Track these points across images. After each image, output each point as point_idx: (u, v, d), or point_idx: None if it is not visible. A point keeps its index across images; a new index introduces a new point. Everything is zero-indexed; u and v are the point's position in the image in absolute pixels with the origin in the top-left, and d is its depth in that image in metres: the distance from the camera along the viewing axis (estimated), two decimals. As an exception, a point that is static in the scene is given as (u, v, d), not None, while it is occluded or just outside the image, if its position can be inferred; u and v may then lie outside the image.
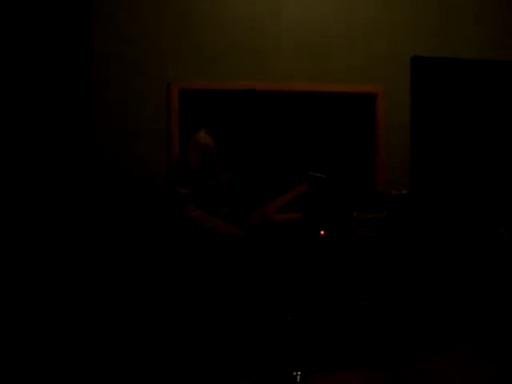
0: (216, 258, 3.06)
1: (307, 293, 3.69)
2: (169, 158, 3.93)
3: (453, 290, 4.45)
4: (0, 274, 3.44)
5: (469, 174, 4.69)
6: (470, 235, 4.50)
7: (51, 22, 3.62)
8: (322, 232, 3.78)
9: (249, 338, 3.39)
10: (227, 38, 4.10)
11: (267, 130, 3.95)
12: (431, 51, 4.60)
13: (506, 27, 4.83)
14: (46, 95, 3.66)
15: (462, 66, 4.65)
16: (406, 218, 4.00)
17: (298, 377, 3.15)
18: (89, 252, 3.68)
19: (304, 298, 3.68)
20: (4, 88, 3.52)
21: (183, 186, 2.98)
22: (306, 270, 3.72)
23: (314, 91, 4.29)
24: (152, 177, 3.90)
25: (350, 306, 3.75)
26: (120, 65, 3.89)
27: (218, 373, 3.12)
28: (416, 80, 4.54)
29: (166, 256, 3.50)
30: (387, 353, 3.76)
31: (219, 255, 3.07)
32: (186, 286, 3.15)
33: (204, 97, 4.03)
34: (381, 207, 3.99)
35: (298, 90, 4.25)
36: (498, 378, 3.13)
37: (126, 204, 3.89)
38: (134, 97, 3.93)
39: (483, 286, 4.46)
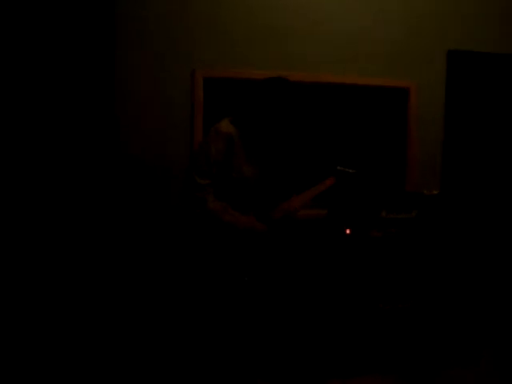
0: (235, 253, 2.92)
1: (330, 293, 3.54)
2: (191, 147, 3.80)
3: (482, 295, 4.24)
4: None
5: (504, 176, 4.47)
6: (502, 240, 4.28)
7: (74, 11, 3.53)
8: (348, 231, 3.62)
9: (268, 339, 3.23)
10: (255, 24, 3.96)
11: (295, 122, 3.80)
12: (468, 45, 4.40)
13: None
14: (70, 85, 3.60)
15: (500, 61, 4.43)
16: (436, 219, 3.82)
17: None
18: (105, 245, 3.59)
19: (327, 298, 3.54)
20: (27, 81, 3.46)
21: (203, 177, 2.84)
22: (330, 270, 3.57)
23: (345, 83, 4.13)
24: (174, 166, 3.79)
25: (374, 309, 3.60)
26: (144, 52, 3.79)
27: (237, 376, 2.99)
28: (451, 75, 4.34)
29: (183, 248, 3.40)
30: (413, 360, 3.59)
31: (239, 250, 2.92)
32: (201, 281, 3.01)
33: (230, 85, 3.90)
34: (410, 207, 3.82)
35: (329, 82, 4.10)
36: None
37: (147, 193, 3.81)
38: (157, 84, 3.83)
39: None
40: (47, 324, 3.45)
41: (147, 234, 3.79)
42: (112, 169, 3.70)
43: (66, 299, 3.54)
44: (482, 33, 4.44)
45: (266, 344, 3.23)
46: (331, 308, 3.54)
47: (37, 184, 3.52)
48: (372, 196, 3.80)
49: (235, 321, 2.96)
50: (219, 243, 2.91)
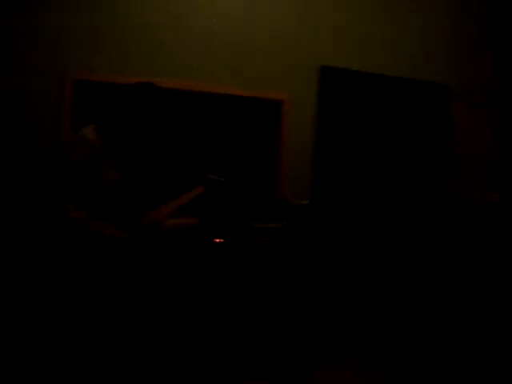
0: (96, 263, 2.81)
1: (197, 302, 3.52)
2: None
3: (350, 300, 4.42)
4: None
5: (370, 188, 4.71)
6: (370, 247, 4.50)
7: None
8: (218, 240, 3.63)
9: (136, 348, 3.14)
10: (130, 28, 3.86)
11: (161, 129, 3.74)
12: (340, 62, 4.60)
13: (420, 46, 4.95)
14: None
15: (371, 80, 4.68)
16: (306, 228, 3.93)
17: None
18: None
19: (193, 308, 3.51)
20: None
21: (65, 184, 2.71)
22: (198, 279, 3.55)
23: (217, 93, 4.13)
24: (40, 170, 3.59)
25: (245, 318, 3.62)
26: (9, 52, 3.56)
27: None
28: (323, 90, 4.51)
29: (44, 258, 3.23)
30: (283, 365, 3.66)
31: (100, 260, 2.82)
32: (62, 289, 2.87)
33: (102, 89, 3.76)
34: (280, 216, 3.90)
35: (201, 91, 4.07)
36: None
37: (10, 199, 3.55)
38: (24, 84, 3.60)
39: (381, 297, 4.46)
40: None
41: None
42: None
43: None
44: (354, 51, 4.67)
45: (134, 353, 3.15)
46: (198, 318, 3.52)
47: None
48: (242, 205, 3.84)
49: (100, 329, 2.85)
50: (81, 251, 2.79)
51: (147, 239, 3.01)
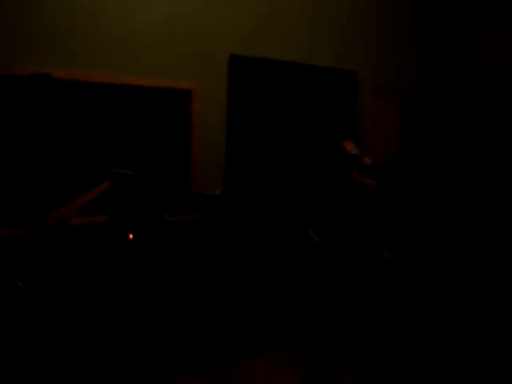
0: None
1: (111, 301, 3.40)
2: None
3: (267, 287, 4.44)
4: None
5: (283, 175, 4.73)
6: (281, 237, 4.53)
7: None
8: (131, 236, 3.50)
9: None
10: (24, 16, 3.60)
11: (69, 123, 3.58)
12: (251, 51, 4.56)
13: (328, 33, 5.00)
14: None
15: (281, 67, 4.69)
16: (219, 219, 3.88)
17: None
18: None
19: (108, 306, 3.38)
20: None
21: None
22: (111, 277, 3.42)
23: (124, 84, 3.97)
24: None
25: (162, 313, 3.54)
26: None
27: None
28: (234, 79, 4.46)
29: None
30: (204, 359, 3.64)
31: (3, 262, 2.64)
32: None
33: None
34: (194, 208, 3.82)
35: (105, 82, 3.89)
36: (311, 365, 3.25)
37: None
38: None
39: (296, 285, 4.51)
40: None
41: None
42: None
43: None
44: (264, 39, 4.64)
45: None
46: (114, 314, 3.40)
47: None
48: (154, 198, 3.73)
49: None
50: None
51: (53, 239, 2.85)
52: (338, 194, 4.98)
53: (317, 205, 4.83)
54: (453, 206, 3.51)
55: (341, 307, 4.08)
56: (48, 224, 2.83)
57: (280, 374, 3.59)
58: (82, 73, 3.80)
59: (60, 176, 3.07)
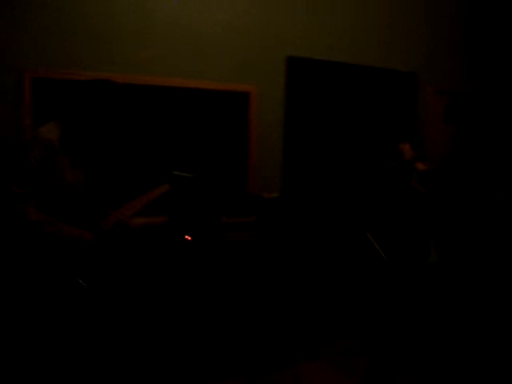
0: (61, 266, 2.71)
1: (175, 301, 3.45)
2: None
3: (323, 291, 4.39)
4: None
5: (342, 178, 4.68)
6: (339, 239, 4.47)
7: None
8: (188, 237, 3.55)
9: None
10: (88, 25, 3.72)
11: (120, 125, 3.64)
12: (307, 52, 4.53)
13: (386, 34, 4.91)
14: None
15: (338, 69, 4.63)
16: (277, 221, 3.87)
17: None
18: None
19: (166, 307, 3.44)
20: None
21: (21, 186, 2.58)
22: (170, 278, 3.47)
23: (182, 87, 4.02)
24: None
25: (220, 315, 3.57)
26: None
27: None
28: (291, 80, 4.44)
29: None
30: (262, 361, 3.63)
31: (65, 263, 2.72)
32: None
33: (60, 87, 3.63)
34: (251, 211, 3.84)
35: (165, 85, 3.97)
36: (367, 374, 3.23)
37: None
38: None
39: (353, 288, 4.43)
40: None
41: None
42: None
43: None
44: (320, 41, 4.60)
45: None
46: (170, 316, 3.45)
47: None
48: (212, 200, 3.76)
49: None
50: (43, 256, 2.69)
51: (114, 240, 2.92)
52: (397, 198, 4.87)
53: (376, 208, 4.74)
54: (505, 205, 3.37)
55: (399, 315, 3.99)
56: (108, 225, 2.90)
57: (334, 379, 3.54)
58: (146, 77, 3.90)
59: (121, 177, 3.15)
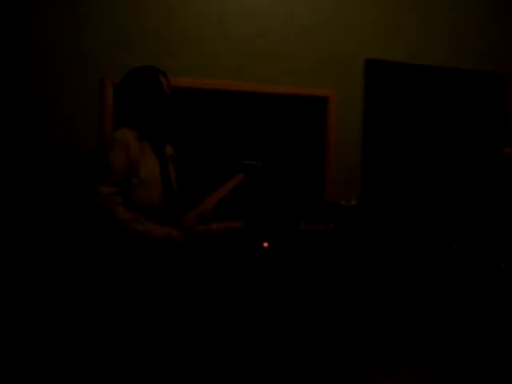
0: (150, 266, 2.73)
1: (252, 309, 3.42)
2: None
3: (400, 306, 4.21)
4: None
5: (423, 186, 4.49)
6: (422, 250, 4.28)
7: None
8: (266, 244, 3.50)
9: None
10: (169, 31, 3.77)
11: (207, 128, 3.66)
12: (385, 55, 4.40)
13: (462, 35, 4.69)
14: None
15: (417, 71, 4.47)
16: (355, 230, 3.76)
17: None
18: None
19: (248, 314, 3.40)
20: None
21: (109, 185, 2.64)
22: (250, 284, 3.43)
23: (261, 92, 3.99)
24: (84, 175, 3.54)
25: (295, 324, 3.49)
26: (55, 57, 3.53)
27: None
28: (370, 84, 4.31)
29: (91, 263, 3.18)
30: (336, 375, 3.51)
31: (154, 262, 2.74)
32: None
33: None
34: (329, 218, 3.74)
35: (246, 90, 3.95)
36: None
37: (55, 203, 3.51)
38: (67, 89, 3.57)
39: (433, 304, 4.23)
40: None
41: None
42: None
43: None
44: (399, 43, 4.45)
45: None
46: (253, 324, 3.41)
47: None
48: (290, 207, 3.70)
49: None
50: (133, 254, 2.72)
51: (199, 240, 2.94)
52: (489, 206, 4.61)
53: (464, 217, 4.51)
54: None
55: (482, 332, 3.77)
56: (193, 219, 2.91)
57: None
58: (224, 83, 3.91)
59: (197, 174, 3.14)
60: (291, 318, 3.54)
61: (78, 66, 3.57)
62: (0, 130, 3.39)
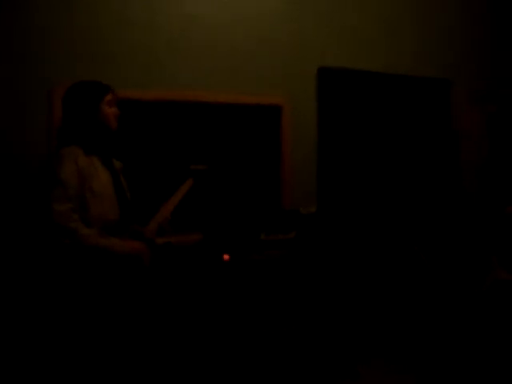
0: (115, 280, 2.61)
1: (211, 321, 3.32)
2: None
3: (364, 311, 4.20)
4: None
5: (380, 191, 4.51)
6: (383, 255, 4.29)
7: None
8: (227, 256, 3.41)
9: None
10: (117, 41, 3.66)
11: (153, 138, 3.57)
12: (339, 63, 4.41)
13: (418, 41, 4.77)
14: None
15: (371, 78, 4.51)
16: (317, 238, 3.72)
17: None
18: None
19: (207, 327, 3.31)
20: None
21: (61, 202, 2.50)
22: (210, 297, 3.34)
23: (213, 102, 3.93)
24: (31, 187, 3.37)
25: (255, 337, 3.41)
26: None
27: None
28: (323, 92, 4.31)
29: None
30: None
31: (119, 276, 2.62)
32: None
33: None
34: (288, 227, 3.69)
35: (200, 100, 3.89)
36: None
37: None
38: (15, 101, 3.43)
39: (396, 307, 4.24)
40: None
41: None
42: None
43: None
44: (353, 50, 4.48)
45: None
46: (210, 336, 3.31)
47: None
48: (248, 216, 3.63)
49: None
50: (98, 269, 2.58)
51: (160, 252, 2.85)
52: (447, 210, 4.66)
53: (424, 220, 4.54)
54: None
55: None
56: (153, 232, 2.82)
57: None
58: (179, 93, 3.82)
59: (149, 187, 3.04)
60: (251, 332, 3.46)
61: (24, 76, 3.43)
62: None
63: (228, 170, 3.98)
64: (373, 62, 4.53)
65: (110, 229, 2.63)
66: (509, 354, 3.28)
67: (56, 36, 3.50)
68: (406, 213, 4.54)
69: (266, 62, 4.14)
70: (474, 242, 4.31)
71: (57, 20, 3.51)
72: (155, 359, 3.05)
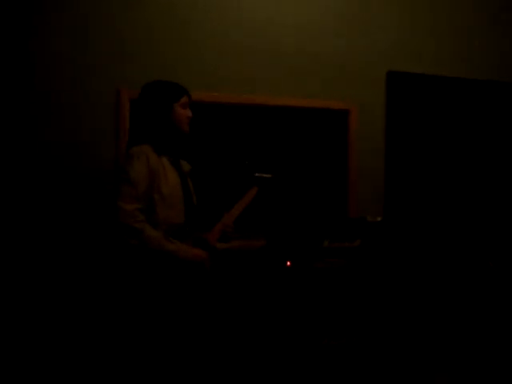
0: (174, 286, 2.58)
1: (272, 329, 3.25)
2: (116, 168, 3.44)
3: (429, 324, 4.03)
4: None
5: (451, 200, 4.32)
6: (453, 267, 4.09)
7: None
8: (289, 263, 3.34)
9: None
10: (185, 44, 3.69)
11: (220, 142, 3.55)
12: (408, 67, 4.26)
13: (487, 46, 4.54)
14: None
15: (440, 83, 4.33)
16: (381, 247, 3.60)
17: None
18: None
19: (268, 334, 3.24)
20: None
21: (129, 201, 2.48)
22: (272, 304, 3.28)
23: (282, 105, 3.87)
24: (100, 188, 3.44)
25: (316, 345, 3.32)
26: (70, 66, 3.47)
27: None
28: (392, 97, 4.18)
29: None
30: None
31: (179, 282, 2.59)
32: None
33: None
34: (353, 235, 3.59)
35: (266, 104, 3.85)
36: None
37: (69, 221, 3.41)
38: (83, 99, 3.49)
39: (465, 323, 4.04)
40: None
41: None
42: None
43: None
44: (421, 54, 4.32)
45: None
46: (272, 344, 3.25)
47: None
48: (313, 223, 3.55)
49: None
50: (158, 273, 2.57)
51: (221, 258, 2.81)
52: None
53: (500, 233, 4.31)
54: None
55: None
56: (216, 236, 2.78)
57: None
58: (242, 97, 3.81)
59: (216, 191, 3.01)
60: (312, 339, 3.38)
61: (93, 77, 3.49)
62: (13, 142, 3.30)
63: (293, 177, 3.91)
64: (444, 66, 4.37)
65: (173, 232, 2.60)
66: None
67: (125, 36, 3.55)
68: (480, 223, 4.32)
69: (336, 66, 4.07)
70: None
71: (125, 20, 3.57)
72: (216, 363, 3.02)
